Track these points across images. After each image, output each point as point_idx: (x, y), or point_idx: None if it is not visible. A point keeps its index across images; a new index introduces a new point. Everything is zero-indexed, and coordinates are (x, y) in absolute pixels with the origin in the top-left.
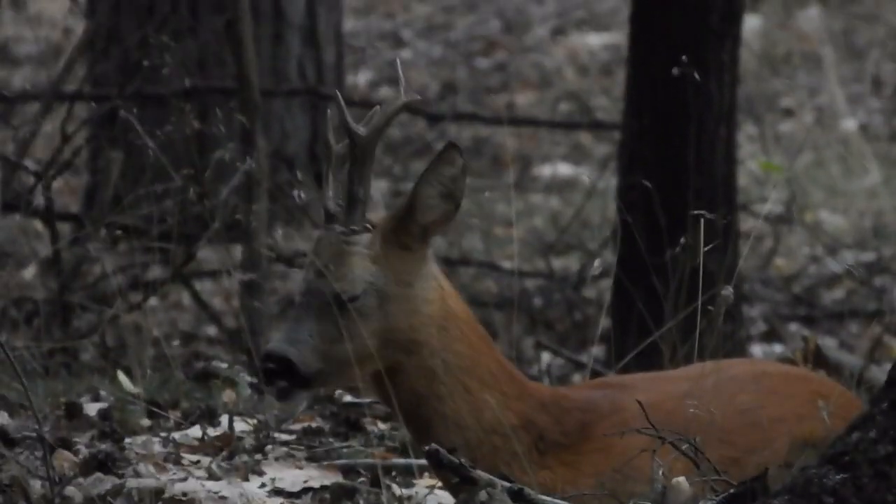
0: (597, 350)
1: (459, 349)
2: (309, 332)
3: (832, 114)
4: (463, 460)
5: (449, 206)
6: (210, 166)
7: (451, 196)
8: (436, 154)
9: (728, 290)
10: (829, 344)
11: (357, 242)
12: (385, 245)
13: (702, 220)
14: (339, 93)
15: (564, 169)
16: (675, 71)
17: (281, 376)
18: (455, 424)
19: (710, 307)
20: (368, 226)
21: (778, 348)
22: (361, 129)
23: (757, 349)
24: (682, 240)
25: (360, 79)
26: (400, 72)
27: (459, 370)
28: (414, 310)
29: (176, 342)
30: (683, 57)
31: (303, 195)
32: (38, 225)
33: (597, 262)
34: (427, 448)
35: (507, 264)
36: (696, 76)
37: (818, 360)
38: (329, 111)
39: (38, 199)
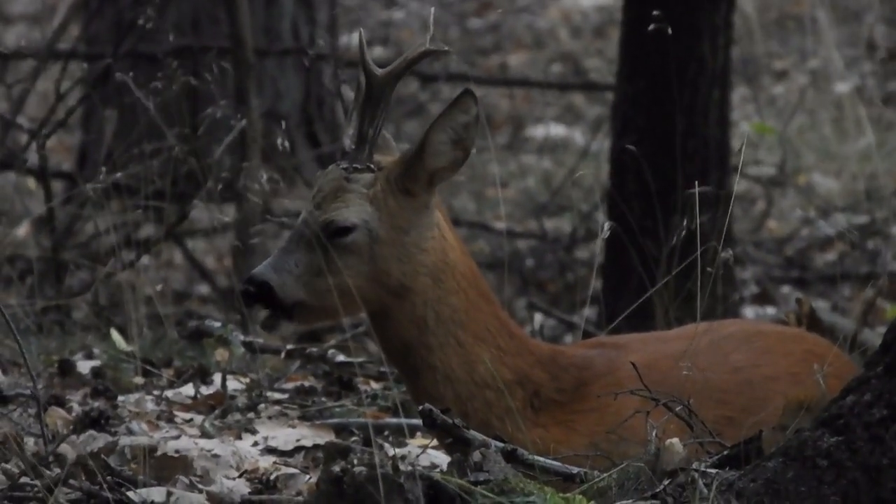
0: (588, 311)
1: (453, 302)
2: (295, 262)
3: (826, 76)
4: (457, 420)
5: (458, 153)
6: (203, 125)
7: (461, 143)
8: (451, 100)
9: (728, 253)
10: (821, 307)
11: (357, 181)
12: (387, 187)
13: (695, 184)
14: (361, 32)
15: (557, 130)
16: (651, 27)
17: (260, 301)
18: (444, 376)
19: (709, 269)
20: (374, 166)
21: (770, 311)
22: (378, 70)
23: (749, 311)
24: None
25: (353, 39)
26: (431, 20)
27: (452, 323)
28: (406, 256)
29: (168, 302)
30: (656, 12)
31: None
32: (32, 183)
33: (606, 225)
34: (421, 408)
35: (498, 225)
36: (669, 31)
37: (812, 322)
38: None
39: (32, 158)
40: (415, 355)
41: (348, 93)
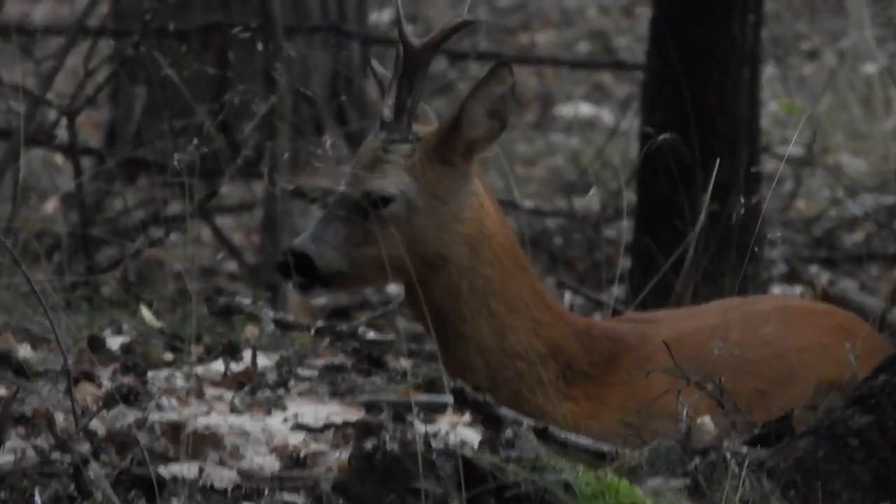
0: (617, 290)
1: (488, 272)
2: (334, 233)
3: (855, 56)
4: (488, 398)
5: (495, 124)
6: (232, 102)
7: (497, 114)
8: (487, 71)
9: (776, 234)
10: (849, 286)
11: (396, 151)
12: (425, 158)
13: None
14: (399, 3)
15: (586, 109)
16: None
17: (299, 272)
18: (476, 345)
19: (755, 248)
20: (413, 137)
21: (798, 290)
22: (416, 41)
23: (777, 290)
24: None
25: (383, 16)
26: None
27: (485, 292)
28: (444, 226)
29: (196, 279)
30: None
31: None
32: (60, 159)
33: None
34: (452, 386)
35: (527, 203)
36: (698, 9)
37: (825, 302)
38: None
39: (61, 134)
40: (447, 324)
41: (378, 67)
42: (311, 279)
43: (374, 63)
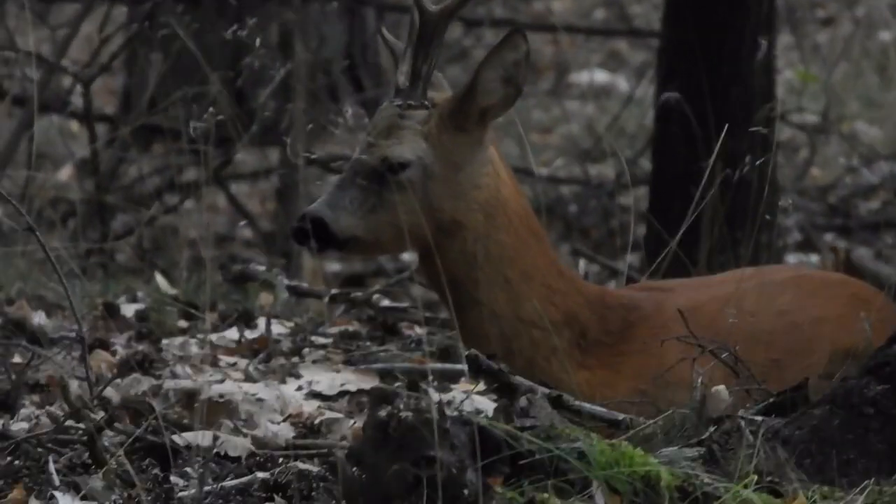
0: (632, 257)
1: (503, 239)
2: (349, 199)
3: (871, 24)
4: (502, 366)
5: (509, 90)
6: (249, 68)
7: (512, 81)
8: (501, 38)
9: (787, 202)
10: (864, 254)
11: (412, 117)
12: (440, 124)
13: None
14: None
15: (601, 76)
16: None
17: (315, 238)
18: (490, 312)
19: (767, 216)
20: (428, 103)
21: (813, 258)
22: (432, 6)
23: (792, 259)
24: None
25: None
26: None
27: (500, 260)
28: (459, 193)
29: (211, 246)
30: None
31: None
32: (75, 126)
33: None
34: (466, 353)
35: (542, 171)
36: None
37: (848, 270)
38: None
39: (76, 101)
40: (462, 291)
41: (388, 36)
42: (326, 244)
43: (385, 31)
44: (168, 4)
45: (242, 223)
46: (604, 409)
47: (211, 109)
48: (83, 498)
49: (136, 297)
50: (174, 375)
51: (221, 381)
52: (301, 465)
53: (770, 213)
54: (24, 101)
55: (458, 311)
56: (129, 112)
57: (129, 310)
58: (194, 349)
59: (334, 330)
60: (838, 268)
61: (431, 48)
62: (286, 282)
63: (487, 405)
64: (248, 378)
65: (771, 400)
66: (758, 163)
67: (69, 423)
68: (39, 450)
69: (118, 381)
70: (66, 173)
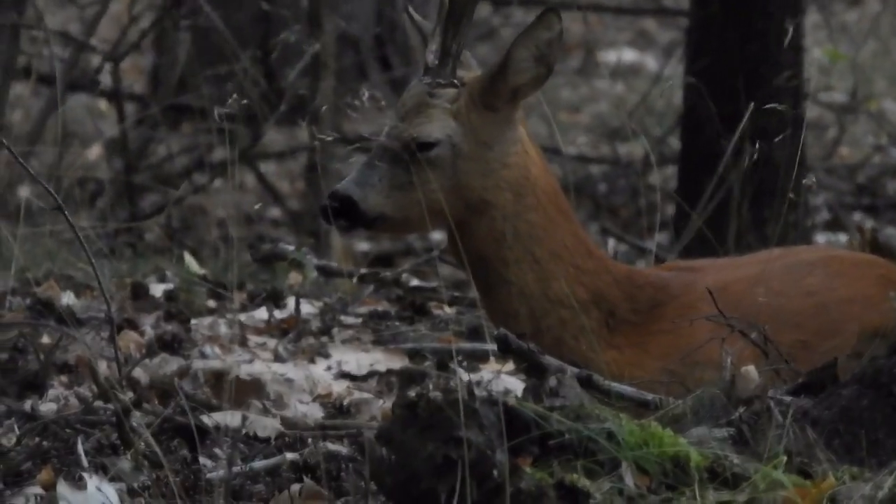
0: (660, 237)
1: (532, 218)
2: (378, 177)
3: None
4: (531, 346)
5: (541, 69)
6: (276, 48)
7: (544, 60)
8: (535, 17)
9: (811, 180)
10: (892, 234)
11: (441, 96)
12: (470, 103)
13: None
14: None
15: (630, 55)
16: None
17: (343, 216)
18: (519, 292)
19: (792, 195)
20: (458, 82)
21: (842, 237)
22: None
23: (821, 238)
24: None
25: None
26: None
27: (529, 238)
28: (489, 171)
29: (239, 225)
30: None
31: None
32: (104, 105)
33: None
34: (496, 333)
35: (571, 149)
36: None
37: (875, 250)
38: None
39: (105, 80)
40: (490, 270)
41: (415, 14)
42: (354, 222)
43: (411, 10)
44: None
45: (257, 205)
46: (633, 390)
47: (234, 96)
48: (111, 479)
49: (165, 276)
50: (203, 355)
51: (250, 362)
52: (330, 446)
53: (798, 193)
54: (53, 79)
55: (486, 291)
56: (158, 91)
57: (157, 290)
58: (223, 329)
59: (363, 310)
60: (864, 248)
61: (461, 26)
62: (315, 261)
63: (517, 385)
64: (277, 358)
65: (800, 380)
66: (785, 140)
67: (97, 403)
68: (68, 431)
69: (147, 361)
70: (94, 152)
